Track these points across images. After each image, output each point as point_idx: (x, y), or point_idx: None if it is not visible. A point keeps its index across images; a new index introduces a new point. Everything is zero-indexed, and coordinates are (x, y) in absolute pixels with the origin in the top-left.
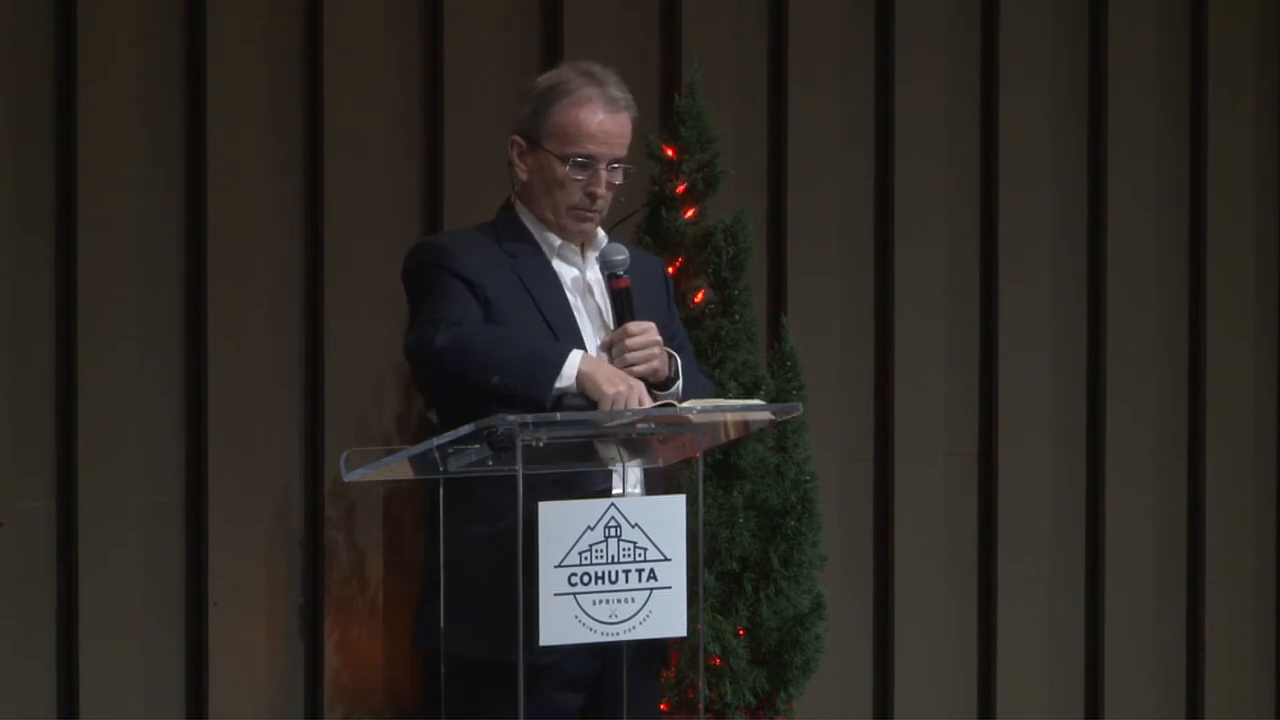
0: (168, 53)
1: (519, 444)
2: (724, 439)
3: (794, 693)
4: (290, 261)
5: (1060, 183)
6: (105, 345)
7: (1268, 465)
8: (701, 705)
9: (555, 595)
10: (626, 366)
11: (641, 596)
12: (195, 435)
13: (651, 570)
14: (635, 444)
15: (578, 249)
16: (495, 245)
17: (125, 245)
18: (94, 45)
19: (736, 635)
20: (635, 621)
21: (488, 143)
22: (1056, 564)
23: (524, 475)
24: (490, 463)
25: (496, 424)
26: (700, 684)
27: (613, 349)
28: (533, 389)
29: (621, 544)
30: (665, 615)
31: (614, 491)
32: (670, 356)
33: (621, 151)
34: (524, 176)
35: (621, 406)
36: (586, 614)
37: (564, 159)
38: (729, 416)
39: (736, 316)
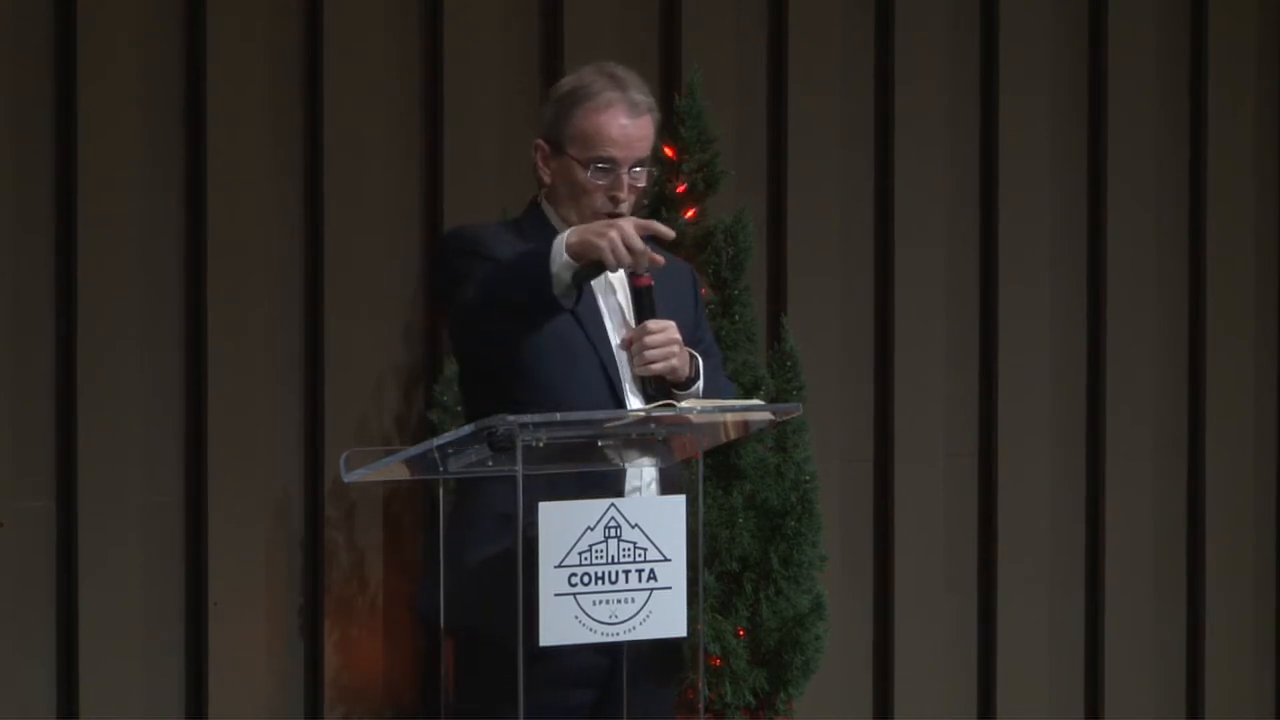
0: (168, 53)
1: (519, 444)
2: (724, 439)
3: (794, 693)
4: (290, 261)
5: (1060, 183)
6: (105, 345)
7: (1268, 465)
8: (701, 705)
9: (555, 595)
10: (645, 364)
11: (641, 597)
12: (195, 435)
13: (651, 570)
14: (640, 443)
15: None
16: (522, 241)
17: (125, 245)
18: (94, 45)
19: (736, 635)
20: (635, 622)
21: (488, 142)
22: (1056, 564)
23: (531, 475)
24: (490, 463)
25: (496, 424)
26: (700, 684)
27: (632, 346)
28: (535, 284)
29: (621, 544)
30: (665, 615)
31: (629, 488)
32: (692, 357)
33: (644, 154)
34: (548, 180)
35: (619, 246)
36: (586, 614)
37: (586, 164)
38: (728, 417)
39: (736, 317)
